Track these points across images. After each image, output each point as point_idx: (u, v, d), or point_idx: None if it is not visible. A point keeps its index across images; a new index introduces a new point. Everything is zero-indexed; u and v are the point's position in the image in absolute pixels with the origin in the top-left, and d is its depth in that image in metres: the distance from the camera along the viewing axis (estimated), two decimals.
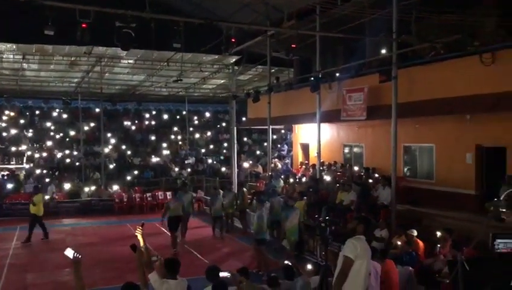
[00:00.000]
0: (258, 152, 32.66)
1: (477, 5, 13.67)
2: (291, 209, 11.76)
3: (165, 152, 31.97)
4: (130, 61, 21.80)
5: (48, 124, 31.98)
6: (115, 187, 23.70)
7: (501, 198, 3.67)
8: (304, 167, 20.63)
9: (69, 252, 4.56)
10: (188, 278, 6.31)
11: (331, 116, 17.04)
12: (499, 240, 1.76)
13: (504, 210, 4.06)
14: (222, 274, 6.56)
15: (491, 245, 1.69)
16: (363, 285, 4.82)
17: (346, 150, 18.95)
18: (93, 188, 23.57)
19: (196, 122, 35.59)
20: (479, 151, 12.86)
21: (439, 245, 9.52)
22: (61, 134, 31.35)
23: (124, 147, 31.60)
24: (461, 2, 13.61)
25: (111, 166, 28.88)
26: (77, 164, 28.12)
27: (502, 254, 1.76)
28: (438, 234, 9.54)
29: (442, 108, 12.60)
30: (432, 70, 13.14)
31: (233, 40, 12.28)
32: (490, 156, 12.63)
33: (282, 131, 30.87)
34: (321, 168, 17.38)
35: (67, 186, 23.46)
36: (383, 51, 15.88)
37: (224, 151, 32.77)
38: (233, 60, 22.11)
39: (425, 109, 13.09)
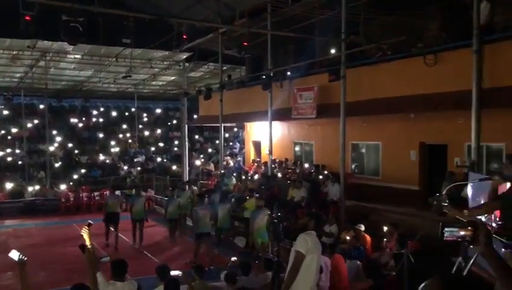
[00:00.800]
0: (209, 150, 32.53)
1: (421, 8, 14.26)
2: (260, 209, 11.52)
3: (114, 150, 31.17)
4: (76, 56, 21.08)
5: None
6: (62, 186, 22.87)
7: (443, 193, 3.88)
8: (255, 164, 20.77)
9: (14, 254, 4.37)
10: (139, 278, 6.25)
11: (282, 115, 17.24)
12: (446, 229, 1.90)
13: (446, 204, 4.29)
14: (173, 273, 6.52)
15: (440, 233, 1.82)
16: (314, 279, 4.94)
17: (297, 147, 19.25)
18: (37, 187, 22.63)
19: (146, 119, 34.94)
20: (422, 148, 13.45)
21: (385, 239, 9.89)
22: (3, 131, 29.85)
23: (70, 145, 30.53)
24: (406, 5, 14.15)
25: (56, 165, 27.82)
26: (20, 162, 26.87)
27: (448, 241, 1.92)
28: (385, 228, 9.90)
29: (388, 107, 13.05)
30: (379, 71, 13.58)
31: (184, 36, 12.14)
32: (433, 153, 13.25)
33: (234, 129, 30.92)
34: (273, 165, 17.57)
35: (9, 185, 22.38)
36: (332, 51, 16.26)
37: (175, 149, 32.39)
38: (184, 56, 21.90)
39: (372, 108, 13.51)
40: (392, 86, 12.95)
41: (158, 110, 36.15)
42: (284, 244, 6.12)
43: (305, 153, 18.70)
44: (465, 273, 3.94)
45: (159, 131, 34.69)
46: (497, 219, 4.57)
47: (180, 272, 6.70)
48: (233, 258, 9.81)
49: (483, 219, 4.85)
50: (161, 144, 33.57)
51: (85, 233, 5.17)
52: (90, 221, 5.44)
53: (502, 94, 9.61)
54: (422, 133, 13.21)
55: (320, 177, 15.12)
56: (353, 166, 15.87)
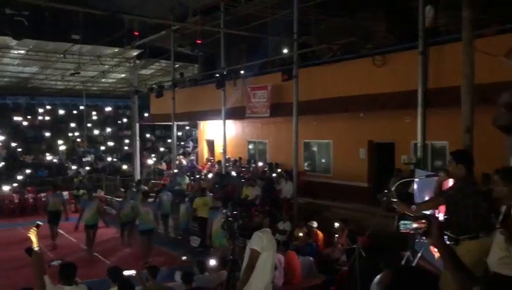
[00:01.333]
0: (161, 149, 32.04)
1: (369, 11, 14.70)
2: (217, 211, 11.35)
3: (61, 149, 30.08)
4: (21, 51, 20.17)
5: None
6: (5, 188, 21.81)
7: (392, 189, 4.05)
8: (209, 163, 20.68)
9: None
10: (90, 281, 6.09)
11: (236, 113, 17.27)
12: (402, 222, 1.99)
13: (395, 200, 4.46)
14: (126, 273, 6.41)
15: (396, 226, 1.92)
16: (269, 276, 4.99)
17: (251, 146, 19.34)
18: None
19: (95, 118, 33.95)
20: (371, 146, 13.89)
21: (336, 235, 10.14)
22: None
23: (14, 144, 29.15)
24: (355, 7, 14.55)
25: None
26: None
27: (403, 233, 2.03)
28: (336, 224, 10.14)
29: (338, 106, 13.36)
30: (330, 71, 13.88)
31: (136, 33, 11.91)
32: (381, 151, 13.70)
33: (187, 127, 30.63)
34: (227, 164, 17.57)
35: None
36: (285, 51, 16.46)
37: (126, 148, 31.68)
38: (135, 53, 21.46)
39: (323, 107, 13.79)
40: (343, 85, 13.27)
41: (108, 109, 35.21)
42: (238, 242, 6.15)
43: (259, 151, 18.82)
44: (413, 265, 4.12)
45: (108, 130, 33.79)
46: (442, 214, 4.79)
47: (134, 272, 6.59)
48: (184, 258, 9.77)
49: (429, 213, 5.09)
50: (111, 143, 32.72)
51: (33, 235, 4.96)
52: (38, 222, 5.22)
53: (446, 94, 10.07)
54: (371, 132, 13.63)
55: (274, 175, 15.27)
56: (305, 164, 16.14)
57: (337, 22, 15.22)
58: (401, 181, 4.45)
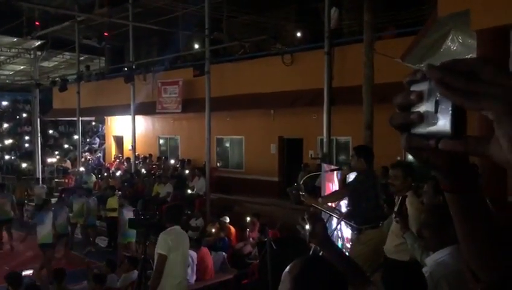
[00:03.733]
0: (65, 146, 30.27)
1: (279, 10, 15.13)
2: (125, 208, 10.99)
3: None
4: None
5: None
6: None
7: (300, 183, 4.25)
8: (118, 160, 19.97)
9: None
10: None
11: (146, 108, 16.86)
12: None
13: (303, 193, 4.68)
14: (25, 272, 6.04)
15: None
16: (182, 274, 4.96)
17: (162, 142, 19.00)
18: None
19: None
20: (281, 142, 14.33)
21: (248, 229, 10.33)
22: None
23: None
24: (265, 5, 14.88)
25: None
26: None
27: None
28: (248, 219, 10.33)
29: (250, 103, 13.61)
30: (242, 68, 14.08)
31: (37, 23, 11.13)
32: (290, 146, 14.19)
33: (93, 123, 29.26)
34: (136, 161, 17.09)
35: None
36: (196, 46, 16.36)
37: (26, 145, 29.50)
38: (36, 44, 20.02)
39: (235, 104, 13.96)
40: (254, 82, 13.53)
41: (5, 103, 32.50)
42: (150, 240, 6.05)
43: (170, 148, 18.55)
44: (320, 255, 4.34)
45: (6, 125, 31.23)
46: (346, 205, 5.11)
47: (31, 271, 6.23)
48: (86, 260, 9.41)
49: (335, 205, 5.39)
50: (9, 140, 30.26)
51: None
52: None
53: (349, 93, 10.68)
54: (281, 128, 14.06)
55: (187, 171, 15.16)
56: (218, 160, 16.22)
57: (248, 19, 15.45)
58: (308, 175, 4.66)
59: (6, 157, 28.21)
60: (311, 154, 12.75)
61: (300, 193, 4.31)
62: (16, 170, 25.29)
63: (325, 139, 10.88)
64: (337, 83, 10.96)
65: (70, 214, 11.93)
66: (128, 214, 11.37)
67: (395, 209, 3.65)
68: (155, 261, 4.86)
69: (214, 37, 13.40)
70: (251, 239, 10.03)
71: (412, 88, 0.70)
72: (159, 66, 16.37)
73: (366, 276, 1.97)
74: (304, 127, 13.26)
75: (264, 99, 13.26)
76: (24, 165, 26.12)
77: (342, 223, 5.10)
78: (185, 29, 15.67)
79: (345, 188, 4.96)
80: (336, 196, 5.34)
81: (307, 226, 1.88)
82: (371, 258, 4.46)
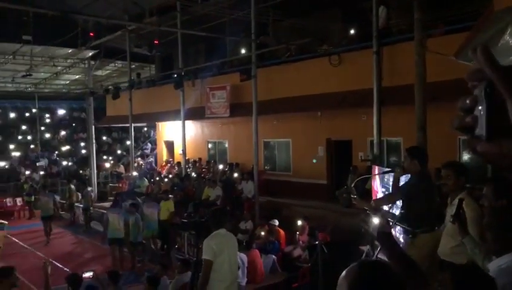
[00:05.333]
0: (119, 151, 31.35)
1: (325, 11, 14.98)
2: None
3: (14, 154, 28.88)
4: None
5: None
6: None
7: (352, 186, 4.17)
8: (168, 164, 20.44)
9: None
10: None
11: (195, 114, 17.17)
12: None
13: (355, 197, 4.60)
14: (85, 275, 6.28)
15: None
16: (230, 277, 4.95)
17: (211, 146, 19.27)
18: None
19: (48, 120, 32.80)
20: (329, 144, 14.16)
21: (297, 233, 10.28)
22: None
23: None
24: (311, 8, 14.78)
25: None
26: None
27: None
28: (298, 222, 10.28)
29: (297, 105, 13.56)
30: (288, 70, 14.06)
31: (91, 34, 11.62)
32: (338, 148, 14.00)
33: (145, 129, 30.14)
34: (186, 165, 17.43)
35: None
36: (243, 51, 16.50)
37: (82, 151, 30.79)
38: (90, 54, 20.89)
39: (282, 107, 13.95)
40: (301, 85, 13.47)
41: (62, 111, 34.07)
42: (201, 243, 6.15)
43: (219, 151, 18.78)
44: (374, 259, 4.24)
45: (63, 133, 32.73)
46: (400, 208, 4.97)
47: (91, 273, 6.47)
48: (139, 264, 9.63)
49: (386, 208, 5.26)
50: (66, 147, 31.70)
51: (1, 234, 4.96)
52: (2, 221, 5.21)
53: (399, 92, 10.41)
54: (329, 130, 13.90)
55: (235, 175, 15.30)
56: (265, 163, 16.26)
57: (294, 22, 15.42)
58: (360, 178, 4.58)
59: (64, 163, 29.57)
60: (361, 156, 12.52)
61: (351, 196, 4.23)
62: (72, 175, 26.47)
63: (375, 141, 10.66)
64: (386, 83, 10.72)
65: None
66: (148, 210, 11.85)
67: (452, 211, 3.50)
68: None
69: (260, 41, 13.47)
70: (301, 242, 9.97)
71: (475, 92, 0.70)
72: (207, 72, 16.64)
73: (426, 278, 1.91)
74: (353, 128, 13.05)
75: (311, 101, 13.17)
76: (80, 170, 27.30)
77: (396, 226, 4.97)
78: (232, 35, 15.84)
79: (398, 191, 4.83)
80: (389, 199, 5.21)
81: (371, 220, 1.98)
82: (427, 263, 4.31)
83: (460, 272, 3.78)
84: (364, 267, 1.47)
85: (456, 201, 3.47)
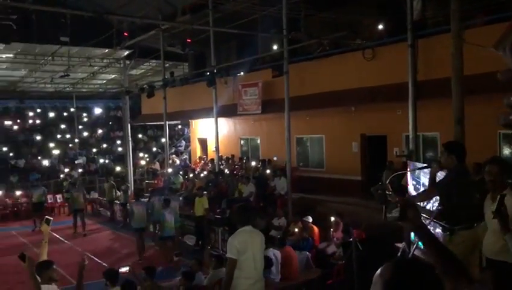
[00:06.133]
0: (154, 149, 31.92)
1: (358, 5, 14.75)
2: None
3: (53, 152, 29.86)
4: (8, 55, 19.94)
5: None
6: None
7: (387, 182, 4.09)
8: (202, 161, 20.67)
9: None
10: (85, 283, 6.01)
11: (227, 111, 17.27)
12: (392, 211, 2.05)
13: (390, 193, 4.50)
14: (121, 270, 6.42)
15: (384, 216, 1.96)
16: (255, 275, 4.89)
17: (243, 143, 19.36)
18: None
19: (86, 119, 33.69)
20: (363, 140, 13.96)
21: (331, 229, 10.19)
22: None
23: (4, 148, 28.90)
24: (343, 1, 14.59)
25: None
26: None
27: (391, 222, 2.08)
28: (332, 219, 10.19)
29: (329, 101, 13.43)
30: (320, 66, 13.93)
31: (125, 34, 11.85)
32: (373, 144, 13.78)
33: (179, 126, 30.53)
34: (219, 162, 17.58)
35: None
36: (275, 47, 16.46)
37: (119, 149, 31.51)
38: (125, 54, 21.32)
39: (315, 102, 13.85)
40: (333, 80, 13.33)
41: (99, 110, 34.92)
42: None
43: (251, 148, 18.84)
44: (410, 256, 4.16)
45: (100, 131, 33.57)
46: (437, 205, 4.85)
47: (128, 268, 6.60)
48: (176, 258, 9.77)
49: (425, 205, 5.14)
50: (104, 145, 32.51)
51: (45, 229, 5.20)
52: (48, 217, 5.48)
53: (435, 86, 10.15)
54: (362, 125, 13.70)
55: (268, 171, 15.31)
56: (298, 159, 16.19)
57: (326, 16, 15.26)
58: (394, 174, 4.48)
59: (101, 160, 30.35)
60: (396, 152, 12.29)
61: (387, 192, 4.15)
62: (109, 172, 27.15)
63: (410, 136, 10.45)
64: (422, 76, 10.48)
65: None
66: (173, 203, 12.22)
67: (494, 207, 3.38)
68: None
69: (292, 37, 13.40)
70: (335, 239, 9.89)
71: None
72: (239, 69, 16.69)
73: (466, 270, 1.84)
74: (388, 123, 12.83)
75: (344, 96, 13.02)
76: (117, 168, 27.97)
77: (432, 223, 4.85)
78: (264, 31, 15.83)
79: (435, 187, 4.70)
80: (425, 195, 5.09)
81: (396, 211, 1.94)
82: (465, 261, 4.18)
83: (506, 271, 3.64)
84: (400, 266, 1.44)
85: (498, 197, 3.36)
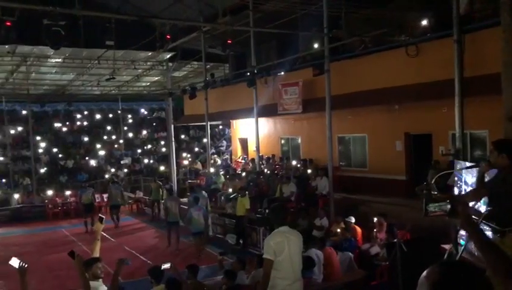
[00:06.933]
0: (196, 149, 32.42)
1: (401, 0, 14.41)
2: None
3: (100, 153, 30.90)
4: (58, 60, 20.74)
5: None
6: (48, 192, 22.59)
7: (432, 182, 3.94)
8: (243, 161, 20.78)
9: (15, 262, 4.41)
10: (129, 281, 6.22)
11: (268, 111, 17.29)
12: (430, 204, 1.96)
13: (436, 193, 4.36)
14: (163, 266, 6.55)
15: (424, 210, 1.90)
16: (292, 276, 4.84)
17: (283, 142, 19.32)
18: (22, 194, 22.33)
19: (130, 121, 34.62)
20: (407, 138, 13.63)
21: (375, 230, 10.01)
22: None
23: (55, 150, 30.17)
24: None
25: (42, 170, 27.50)
26: (4, 170, 26.50)
27: (432, 217, 1.98)
28: (374, 219, 10.02)
29: (372, 99, 13.19)
30: (362, 63, 13.71)
31: (168, 36, 12.09)
32: (418, 143, 13.43)
33: (220, 127, 30.86)
34: (260, 162, 17.62)
35: None
36: (315, 46, 16.33)
37: (162, 149, 32.21)
38: (168, 56, 21.76)
39: (357, 101, 13.64)
40: (376, 78, 13.08)
41: (143, 111, 35.81)
42: None
43: (292, 148, 18.78)
44: (457, 258, 4.02)
45: (144, 132, 34.42)
46: (486, 206, 4.66)
47: (169, 264, 6.74)
48: (220, 257, 9.85)
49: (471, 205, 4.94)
50: (148, 146, 33.33)
51: (98, 227, 5.43)
52: (101, 216, 5.76)
53: (484, 82, 9.77)
54: (406, 124, 13.38)
55: (309, 171, 15.22)
56: (340, 159, 16.00)
57: (367, 13, 15.00)
58: (441, 173, 4.33)
59: (145, 160, 31.11)
60: (442, 151, 11.92)
61: (432, 192, 4.03)
62: (154, 172, 27.80)
63: (457, 134, 10.09)
64: (469, 73, 10.09)
65: None
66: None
67: None
68: None
69: (333, 35, 13.25)
70: (378, 240, 9.71)
71: None
72: (279, 69, 16.67)
73: None
74: (433, 121, 12.46)
75: (387, 95, 12.75)
76: (161, 167, 28.61)
77: (482, 225, 4.66)
78: (304, 30, 15.73)
79: (484, 187, 4.52)
80: (474, 196, 4.89)
81: (443, 207, 1.93)
82: None
83: None
84: (447, 268, 1.39)
85: None
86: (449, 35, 10.37)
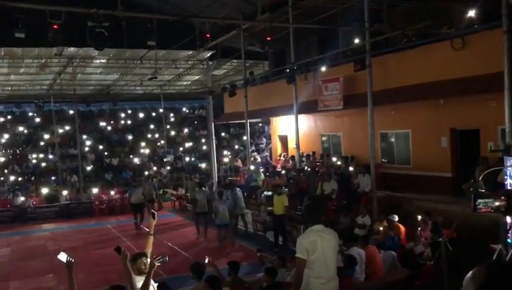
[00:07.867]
0: (236, 146, 32.64)
1: None
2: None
3: (144, 151, 31.67)
4: (102, 60, 21.43)
5: (21, 128, 31.30)
6: (94, 189, 23.36)
7: (479, 179, 3.77)
8: (283, 158, 20.73)
9: (62, 256, 4.58)
10: (171, 276, 6.31)
11: (308, 107, 17.15)
12: (479, 200, 1.85)
13: (483, 190, 4.18)
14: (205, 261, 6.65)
15: (473, 206, 1.80)
16: (326, 275, 4.77)
17: (324, 139, 19.12)
18: (70, 191, 23.21)
19: (172, 119, 35.27)
20: (453, 134, 13.17)
21: (419, 228, 9.74)
22: (35, 138, 30.75)
23: (100, 147, 31.17)
24: None
25: (88, 168, 28.47)
26: (53, 167, 27.63)
27: (482, 213, 1.86)
28: (418, 217, 9.75)
29: (416, 94, 12.82)
30: (405, 58, 13.35)
31: (208, 35, 12.21)
32: (464, 138, 12.95)
33: (260, 124, 30.92)
34: (300, 159, 17.51)
35: (44, 190, 23.06)
36: (356, 40, 16.04)
37: (204, 147, 32.64)
38: (208, 55, 22.00)
39: (399, 96, 13.30)
40: (419, 72, 12.72)
41: (185, 110, 36.40)
42: None
43: (333, 145, 18.56)
44: (507, 259, 3.84)
45: (186, 130, 34.98)
46: None
47: (207, 259, 6.82)
48: (258, 254, 9.86)
49: None
50: (190, 143, 33.87)
51: (152, 223, 5.85)
52: (154, 211, 6.05)
53: None
54: (452, 119, 12.94)
55: (351, 169, 14.99)
56: (383, 155, 15.67)
57: (410, 6, 14.59)
58: (489, 170, 4.15)
59: (187, 158, 31.62)
60: (490, 147, 11.43)
61: (480, 189, 3.88)
62: (195, 170, 28.21)
63: (507, 129, 9.64)
64: None
65: None
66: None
67: None
68: None
69: (374, 29, 12.98)
70: (423, 239, 9.45)
71: None
72: (319, 65, 16.50)
73: None
74: (480, 116, 11.98)
75: (431, 89, 12.36)
76: (202, 165, 28.99)
77: None
78: (344, 25, 15.49)
79: None
80: None
81: (497, 203, 1.81)
82: None
83: None
84: (495, 269, 1.31)
85: None
86: (497, 26, 9.93)
